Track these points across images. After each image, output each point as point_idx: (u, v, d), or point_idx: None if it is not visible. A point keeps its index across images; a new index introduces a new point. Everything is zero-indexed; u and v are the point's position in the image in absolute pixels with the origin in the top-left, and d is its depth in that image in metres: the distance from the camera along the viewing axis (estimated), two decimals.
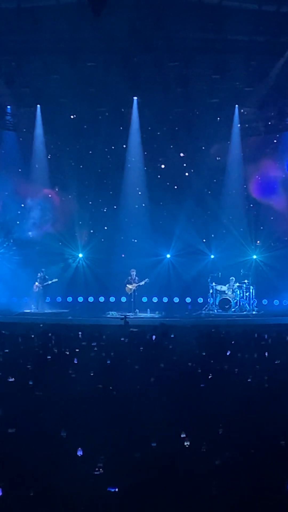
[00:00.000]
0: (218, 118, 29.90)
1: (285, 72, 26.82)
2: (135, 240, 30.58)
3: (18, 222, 30.81)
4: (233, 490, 6.95)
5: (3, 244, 30.76)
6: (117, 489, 6.89)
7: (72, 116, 29.97)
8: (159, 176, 31.10)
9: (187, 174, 31.06)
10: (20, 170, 30.52)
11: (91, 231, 31.22)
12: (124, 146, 30.64)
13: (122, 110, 30.01)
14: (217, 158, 30.95)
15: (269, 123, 30.32)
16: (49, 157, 30.90)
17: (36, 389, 11.08)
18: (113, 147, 30.99)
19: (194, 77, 27.41)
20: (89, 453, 7.93)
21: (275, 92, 27.71)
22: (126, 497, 6.79)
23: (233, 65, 26.57)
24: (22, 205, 30.71)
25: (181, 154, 30.96)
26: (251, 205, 30.89)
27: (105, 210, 31.31)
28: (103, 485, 6.98)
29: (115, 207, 31.17)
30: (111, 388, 11.15)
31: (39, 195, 30.73)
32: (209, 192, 30.58)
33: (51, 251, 30.57)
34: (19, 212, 30.83)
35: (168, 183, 31.09)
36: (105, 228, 31.13)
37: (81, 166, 30.91)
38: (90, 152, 30.80)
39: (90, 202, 31.09)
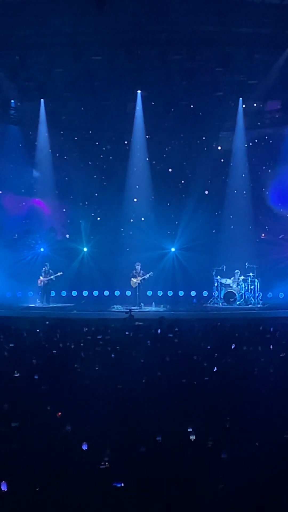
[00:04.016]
0: (222, 111, 29.89)
1: None
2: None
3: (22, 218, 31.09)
4: (239, 484, 6.95)
5: (13, 236, 30.91)
6: (122, 484, 6.90)
7: (80, 106, 29.88)
8: (170, 170, 31.08)
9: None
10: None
11: (98, 218, 31.28)
12: (126, 142, 30.66)
13: (126, 104, 30.00)
14: (218, 147, 31.05)
15: (274, 116, 30.28)
16: (55, 154, 30.91)
17: (42, 383, 11.10)
18: (116, 140, 30.90)
19: (198, 70, 27.30)
20: (94, 448, 7.94)
21: (279, 84, 27.64)
22: (131, 491, 6.80)
23: (237, 58, 26.46)
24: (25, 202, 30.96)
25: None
26: (255, 198, 30.84)
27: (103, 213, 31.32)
28: (108, 479, 6.99)
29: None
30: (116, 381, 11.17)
31: (42, 190, 30.96)
32: (213, 185, 30.62)
33: (56, 245, 30.75)
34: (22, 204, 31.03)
35: (172, 177, 31.07)
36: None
37: (84, 160, 30.86)
38: (97, 143, 30.84)
39: (96, 194, 31.11)
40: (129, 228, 31.19)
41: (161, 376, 11.78)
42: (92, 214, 31.28)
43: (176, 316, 22.73)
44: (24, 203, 31.18)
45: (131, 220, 31.15)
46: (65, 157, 30.84)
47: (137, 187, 30.96)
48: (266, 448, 7.92)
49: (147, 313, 25.83)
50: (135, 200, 31.01)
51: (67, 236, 31.44)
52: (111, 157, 31.04)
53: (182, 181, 31.15)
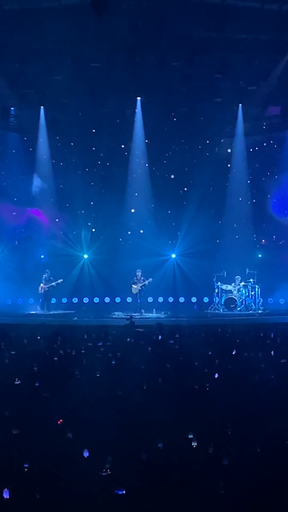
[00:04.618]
0: (222, 118, 29.87)
1: None
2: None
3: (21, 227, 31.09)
4: (240, 490, 6.92)
5: (8, 246, 30.84)
6: (124, 491, 6.88)
7: (79, 113, 29.81)
8: (172, 176, 31.02)
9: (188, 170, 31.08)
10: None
11: (93, 229, 31.20)
12: (123, 146, 30.65)
13: (126, 110, 30.00)
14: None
15: (274, 121, 30.30)
16: (53, 161, 30.91)
17: (43, 391, 11.07)
18: (116, 147, 30.88)
19: (197, 76, 27.31)
20: (95, 455, 7.92)
21: (278, 90, 27.65)
22: (132, 498, 6.77)
23: (236, 64, 26.47)
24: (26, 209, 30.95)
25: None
26: (256, 204, 30.82)
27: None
28: (110, 487, 6.97)
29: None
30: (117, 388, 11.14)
31: (42, 197, 30.90)
32: (213, 191, 30.60)
33: (57, 252, 30.71)
34: (14, 214, 30.96)
35: (173, 183, 31.04)
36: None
37: (84, 167, 30.84)
38: (93, 148, 30.81)
39: (92, 203, 31.00)
40: (128, 237, 31.17)
41: (162, 382, 11.76)
42: (89, 224, 31.19)
43: (177, 322, 22.67)
44: (23, 211, 31.11)
45: (129, 232, 31.14)
46: (62, 164, 30.77)
47: (136, 194, 30.95)
48: (267, 454, 7.90)
49: (148, 319, 25.78)
50: (132, 211, 30.97)
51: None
52: (109, 163, 30.94)
53: (185, 188, 31.04)
